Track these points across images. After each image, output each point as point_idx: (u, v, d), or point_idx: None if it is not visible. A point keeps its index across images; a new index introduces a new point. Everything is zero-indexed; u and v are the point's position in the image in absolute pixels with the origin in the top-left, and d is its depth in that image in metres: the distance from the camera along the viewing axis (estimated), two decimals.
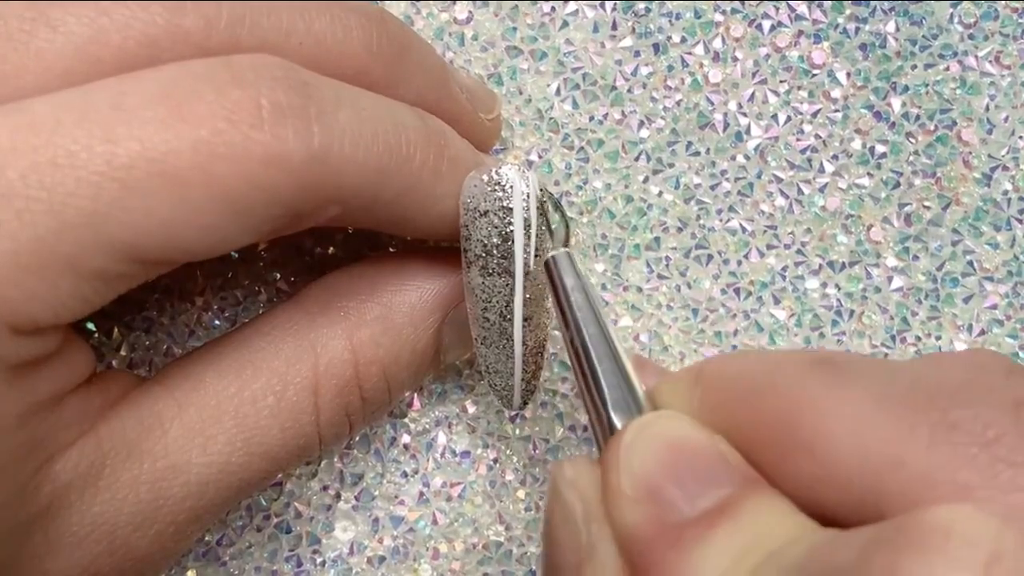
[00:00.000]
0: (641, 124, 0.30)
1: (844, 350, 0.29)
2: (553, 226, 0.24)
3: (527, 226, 0.24)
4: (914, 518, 0.16)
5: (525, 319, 0.24)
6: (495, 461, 0.29)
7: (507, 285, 0.24)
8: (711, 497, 0.18)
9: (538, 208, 0.24)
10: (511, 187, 0.24)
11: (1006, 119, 0.30)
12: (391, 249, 0.29)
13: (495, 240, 0.24)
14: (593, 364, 0.21)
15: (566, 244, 0.29)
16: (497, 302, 0.24)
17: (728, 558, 0.17)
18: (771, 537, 0.17)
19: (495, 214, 0.24)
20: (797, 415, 0.18)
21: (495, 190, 0.24)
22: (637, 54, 0.30)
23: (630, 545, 0.18)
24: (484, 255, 0.24)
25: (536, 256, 0.24)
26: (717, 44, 0.30)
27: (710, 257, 0.29)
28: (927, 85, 0.30)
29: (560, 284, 0.22)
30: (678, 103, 0.30)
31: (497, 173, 0.24)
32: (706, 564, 0.17)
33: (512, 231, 0.24)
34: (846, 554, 0.16)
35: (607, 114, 0.30)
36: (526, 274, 0.24)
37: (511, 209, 0.24)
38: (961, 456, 0.17)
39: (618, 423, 0.20)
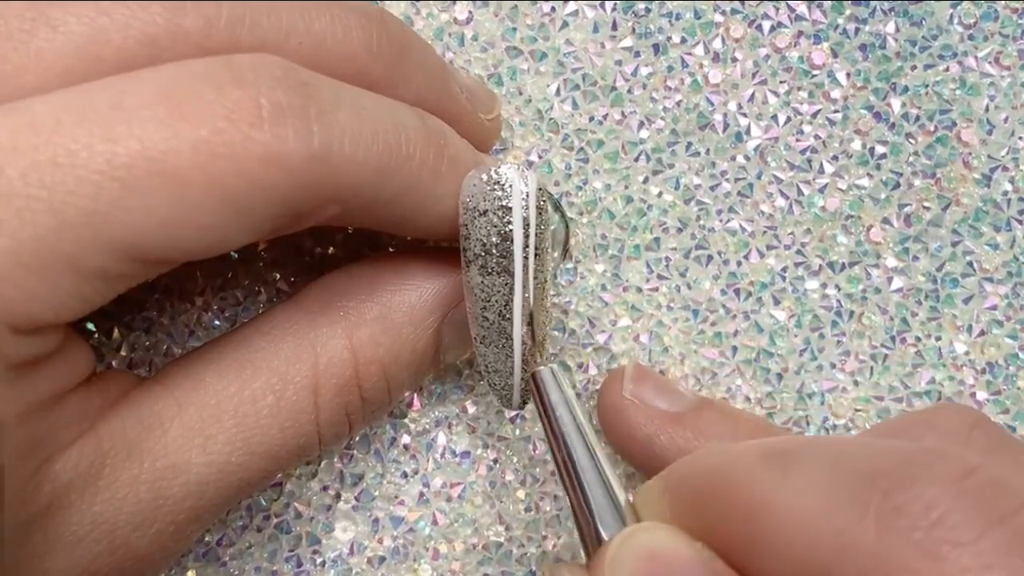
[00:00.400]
0: (641, 124, 0.30)
1: (844, 351, 0.29)
2: (552, 227, 0.24)
3: (526, 225, 0.24)
4: None
5: (524, 318, 0.24)
6: (495, 461, 0.29)
7: (506, 284, 0.24)
8: None
9: (537, 207, 0.24)
10: (510, 186, 0.24)
11: (1006, 120, 0.30)
12: (391, 249, 0.29)
13: (494, 239, 0.24)
14: (579, 478, 0.22)
15: (566, 244, 0.29)
16: (496, 301, 0.24)
17: None
18: None
19: (494, 213, 0.24)
20: (754, 513, 0.19)
21: (494, 189, 0.24)
22: (637, 54, 0.30)
23: None
24: (483, 254, 0.24)
25: (536, 256, 0.24)
26: (717, 45, 0.30)
27: (710, 258, 0.29)
28: (927, 86, 0.30)
29: (546, 400, 0.23)
30: (678, 103, 0.30)
31: (496, 172, 0.24)
32: None
33: (511, 230, 0.24)
34: None
35: (607, 114, 0.30)
36: (525, 273, 0.24)
37: (510, 208, 0.24)
38: (907, 541, 0.17)
39: (604, 535, 0.21)
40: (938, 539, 0.17)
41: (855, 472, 0.18)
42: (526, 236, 0.24)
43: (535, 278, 0.24)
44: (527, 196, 0.24)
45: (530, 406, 0.26)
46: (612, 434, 0.28)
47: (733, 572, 0.19)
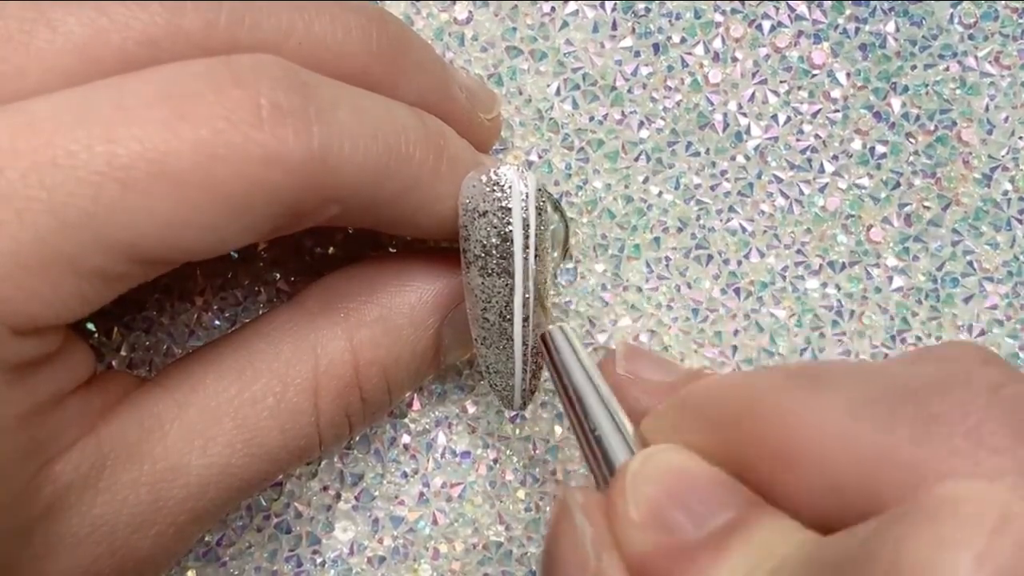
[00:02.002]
0: (641, 124, 0.30)
1: (844, 351, 0.29)
2: (552, 227, 0.24)
3: (526, 226, 0.24)
4: (920, 498, 0.16)
5: (525, 319, 0.24)
6: (495, 461, 0.29)
7: (506, 285, 0.24)
8: (718, 519, 0.18)
9: (537, 208, 0.24)
10: (510, 187, 0.24)
11: (1006, 119, 0.30)
12: (391, 250, 0.29)
13: (494, 240, 0.24)
14: (590, 413, 0.22)
15: (566, 245, 0.29)
16: (496, 302, 0.24)
17: (742, 574, 0.18)
18: (781, 552, 0.18)
19: (494, 214, 0.24)
20: (781, 432, 0.18)
21: (494, 190, 0.24)
22: (637, 54, 0.30)
23: (642, 570, 0.19)
24: (483, 255, 0.24)
25: (536, 256, 0.24)
26: (717, 44, 0.30)
27: (710, 257, 0.29)
28: (927, 85, 0.30)
29: (556, 356, 0.23)
30: (678, 103, 0.30)
31: (496, 173, 0.24)
32: None
33: (511, 231, 0.24)
34: (851, 543, 0.16)
35: (607, 114, 0.30)
36: (525, 274, 0.24)
37: (510, 209, 0.24)
38: (946, 447, 0.17)
39: (613, 454, 0.21)
40: (976, 444, 0.17)
41: (887, 386, 0.18)
42: (526, 237, 0.24)
43: (535, 279, 0.24)
44: (526, 197, 0.24)
45: (530, 406, 0.26)
46: None
47: (750, 490, 0.19)
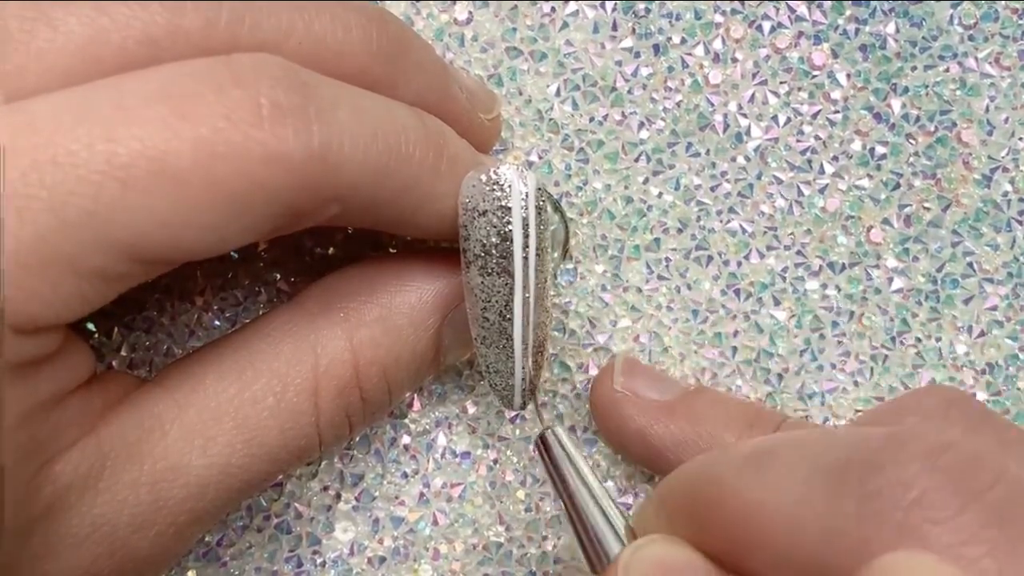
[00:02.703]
0: (641, 125, 0.30)
1: (844, 352, 0.29)
2: (552, 227, 0.24)
3: (525, 225, 0.24)
4: (864, 571, 0.17)
5: (524, 318, 0.24)
6: (495, 462, 0.29)
7: (506, 284, 0.24)
8: None
9: (536, 207, 0.24)
10: (509, 186, 0.24)
11: (1006, 120, 0.30)
12: (391, 250, 0.29)
13: (494, 240, 0.24)
14: (584, 511, 0.24)
15: (566, 245, 0.29)
16: (496, 302, 0.24)
17: None
18: None
19: (493, 214, 0.24)
20: (741, 513, 0.19)
21: (493, 190, 0.24)
22: (637, 55, 0.30)
23: None
24: (483, 255, 0.24)
25: (536, 256, 0.24)
26: (717, 45, 0.30)
27: (710, 258, 0.29)
28: (927, 86, 0.30)
29: (550, 458, 0.25)
30: (678, 104, 0.30)
31: (495, 173, 0.24)
32: None
33: (511, 230, 0.24)
34: None
35: (607, 115, 0.30)
36: (525, 273, 0.24)
37: (509, 208, 0.24)
38: (888, 523, 0.17)
39: (612, 552, 0.23)
40: (918, 518, 0.17)
41: (833, 461, 0.19)
42: (525, 236, 0.24)
43: (535, 278, 0.24)
44: (526, 196, 0.24)
45: (530, 406, 0.26)
46: (606, 428, 0.28)
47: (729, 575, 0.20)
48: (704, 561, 0.20)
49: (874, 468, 0.18)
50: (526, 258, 0.24)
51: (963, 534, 0.17)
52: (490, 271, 0.24)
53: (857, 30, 0.30)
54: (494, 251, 0.24)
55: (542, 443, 0.25)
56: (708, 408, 0.27)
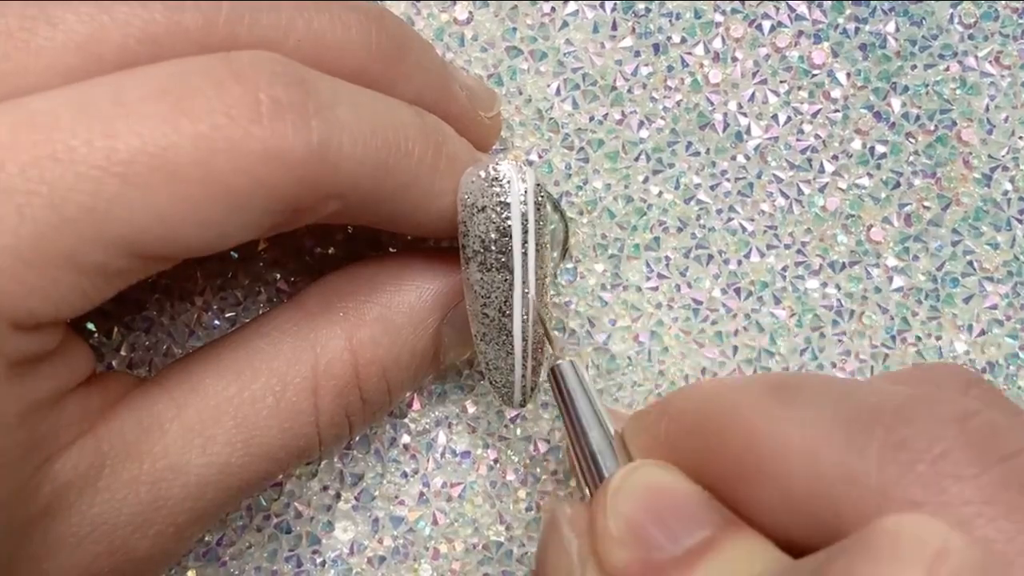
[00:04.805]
0: (641, 124, 0.30)
1: (844, 351, 0.29)
2: (552, 226, 0.24)
3: (524, 221, 0.24)
4: (866, 529, 0.16)
5: (524, 314, 0.24)
6: (495, 461, 0.29)
7: (505, 280, 0.24)
8: (693, 537, 0.19)
9: (535, 203, 0.24)
10: (508, 182, 0.24)
11: (1006, 119, 0.30)
12: (391, 249, 0.29)
13: (493, 236, 0.24)
14: (584, 434, 0.23)
15: (565, 244, 0.29)
16: (496, 298, 0.24)
17: None
18: (748, 573, 0.18)
19: (492, 209, 0.24)
20: (756, 442, 0.19)
21: (492, 186, 0.24)
22: (637, 54, 0.30)
23: None
24: (482, 251, 0.24)
25: (536, 251, 0.24)
26: (717, 44, 0.30)
27: (710, 257, 0.29)
28: (927, 85, 0.30)
29: (565, 387, 0.24)
30: (678, 103, 0.30)
31: (494, 169, 0.24)
32: None
33: (510, 226, 0.24)
34: (804, 570, 0.17)
35: (607, 114, 0.30)
36: (524, 269, 0.24)
37: (508, 204, 0.24)
38: (910, 473, 0.17)
39: (606, 472, 0.22)
40: (941, 472, 0.17)
41: (860, 408, 0.18)
42: (524, 232, 0.24)
43: (535, 274, 0.24)
44: (525, 192, 0.24)
45: (531, 405, 0.26)
46: None
47: (726, 509, 0.19)
48: (702, 492, 0.20)
49: (903, 420, 0.18)
50: (525, 253, 0.24)
51: (984, 493, 0.17)
52: (489, 267, 0.24)
53: (857, 29, 0.30)
54: (493, 247, 0.24)
55: (556, 374, 0.24)
56: None
